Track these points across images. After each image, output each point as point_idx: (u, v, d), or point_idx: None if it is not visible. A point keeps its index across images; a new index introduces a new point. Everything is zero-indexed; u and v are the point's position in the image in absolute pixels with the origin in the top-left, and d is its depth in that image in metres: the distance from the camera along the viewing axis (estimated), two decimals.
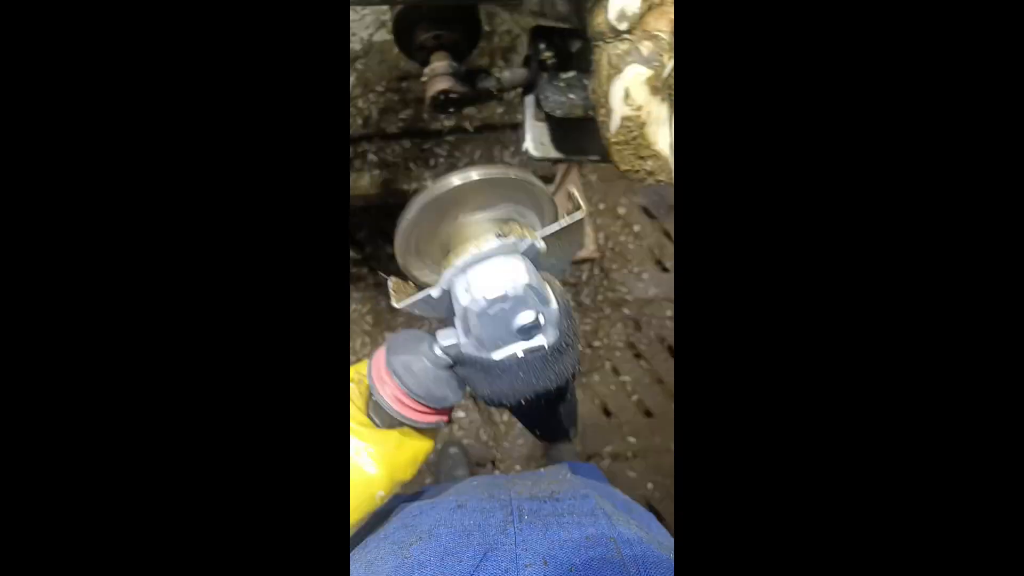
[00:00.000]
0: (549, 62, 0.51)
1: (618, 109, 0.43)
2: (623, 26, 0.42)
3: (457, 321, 0.41)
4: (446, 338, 0.42)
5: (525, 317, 0.39)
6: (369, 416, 0.44)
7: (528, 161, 0.56)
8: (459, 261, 0.39)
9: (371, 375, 0.42)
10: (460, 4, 0.49)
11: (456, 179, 0.38)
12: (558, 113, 0.51)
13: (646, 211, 1.68)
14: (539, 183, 0.41)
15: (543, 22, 0.51)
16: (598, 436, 1.47)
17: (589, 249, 1.56)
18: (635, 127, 0.43)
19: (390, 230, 0.41)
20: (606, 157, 0.45)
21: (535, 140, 0.57)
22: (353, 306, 1.31)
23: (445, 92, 0.53)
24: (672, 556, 0.39)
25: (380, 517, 0.48)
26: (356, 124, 1.39)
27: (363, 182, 1.28)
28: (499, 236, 0.40)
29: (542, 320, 0.39)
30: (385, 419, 0.43)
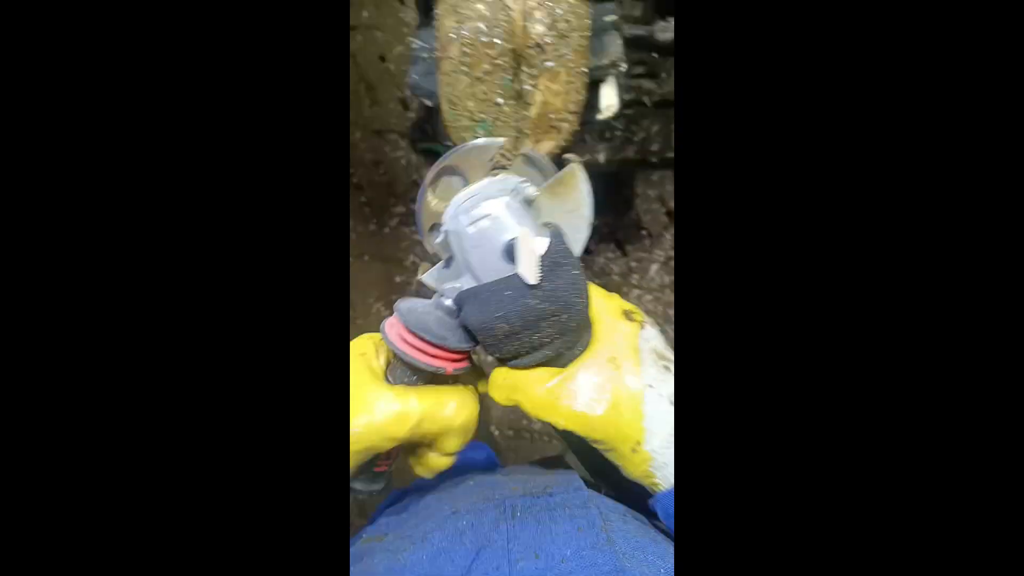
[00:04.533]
0: None
1: None
2: None
3: (460, 266, 0.44)
4: (450, 286, 0.44)
5: (510, 235, 0.41)
6: (387, 379, 0.45)
7: None
8: (455, 198, 0.44)
9: (383, 327, 0.44)
10: None
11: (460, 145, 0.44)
12: None
13: None
14: (540, 156, 0.47)
15: None
16: None
17: None
18: None
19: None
20: None
21: None
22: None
23: None
24: (665, 543, 0.39)
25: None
26: None
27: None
28: (489, 176, 0.45)
29: None
30: (397, 375, 0.45)
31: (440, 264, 0.47)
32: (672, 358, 0.43)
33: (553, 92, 0.54)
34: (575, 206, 0.46)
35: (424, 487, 0.52)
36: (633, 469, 0.41)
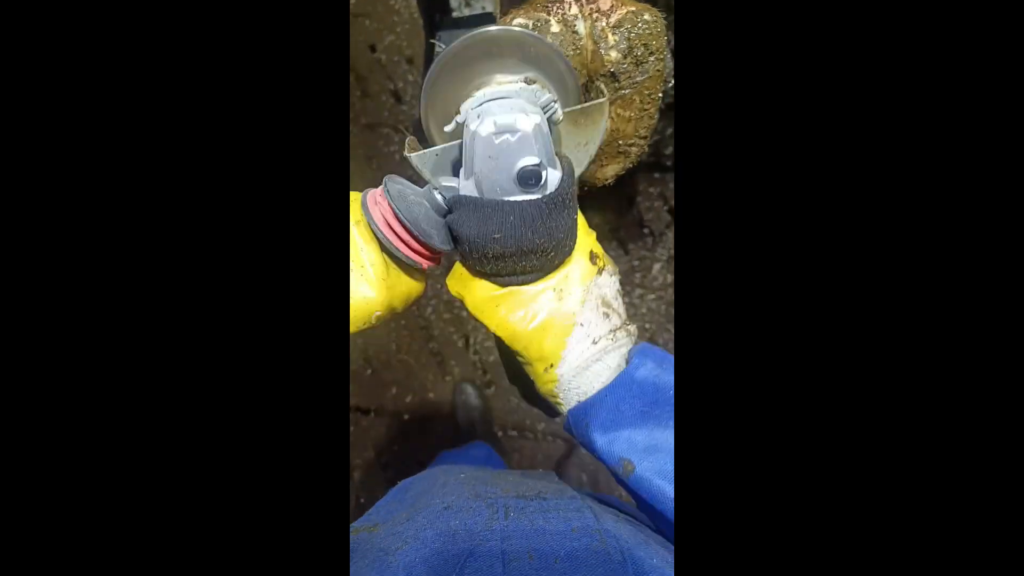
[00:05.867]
0: None
1: None
2: None
3: (463, 165, 0.40)
4: (447, 181, 0.41)
5: (528, 160, 0.38)
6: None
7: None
8: (480, 93, 0.40)
9: (365, 198, 0.41)
10: None
11: (491, 29, 0.38)
12: None
13: None
14: (567, 61, 0.41)
15: None
16: None
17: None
18: None
19: None
20: None
21: None
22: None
23: None
24: (659, 551, 0.40)
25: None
26: None
27: None
28: (526, 82, 0.41)
29: (544, 175, 0.38)
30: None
31: (435, 149, 0.42)
32: (617, 309, 0.44)
33: (624, 119, 0.51)
34: (587, 140, 0.44)
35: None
36: (542, 386, 0.45)
